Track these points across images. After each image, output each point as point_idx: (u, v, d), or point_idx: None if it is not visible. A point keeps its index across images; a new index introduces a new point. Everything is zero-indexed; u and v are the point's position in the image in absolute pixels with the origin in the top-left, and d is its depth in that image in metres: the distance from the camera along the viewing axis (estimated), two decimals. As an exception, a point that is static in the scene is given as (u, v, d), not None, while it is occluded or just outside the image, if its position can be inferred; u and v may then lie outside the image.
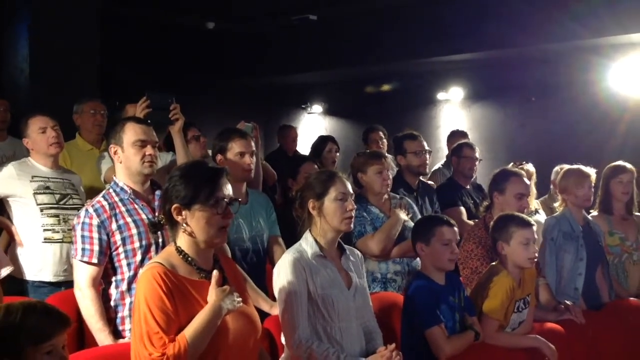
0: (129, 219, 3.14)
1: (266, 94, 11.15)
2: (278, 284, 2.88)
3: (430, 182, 5.40)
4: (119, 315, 3.12)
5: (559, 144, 7.80)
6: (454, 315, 3.28)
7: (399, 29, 8.55)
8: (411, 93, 9.73)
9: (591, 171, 4.34)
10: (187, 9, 8.72)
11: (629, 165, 4.62)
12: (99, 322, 3.03)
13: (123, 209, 3.16)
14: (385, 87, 10.06)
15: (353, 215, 3.00)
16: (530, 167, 5.44)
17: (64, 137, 4.19)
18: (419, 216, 4.23)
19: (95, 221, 3.09)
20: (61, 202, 4.01)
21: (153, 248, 3.13)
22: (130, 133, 3.20)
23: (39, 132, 4.02)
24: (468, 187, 5.28)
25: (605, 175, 4.63)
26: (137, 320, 2.29)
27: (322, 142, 6.04)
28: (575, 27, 7.10)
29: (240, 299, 2.40)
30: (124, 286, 3.12)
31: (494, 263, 3.58)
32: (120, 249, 3.11)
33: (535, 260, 3.54)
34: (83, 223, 3.10)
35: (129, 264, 3.11)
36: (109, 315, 3.10)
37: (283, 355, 2.96)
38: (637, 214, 4.71)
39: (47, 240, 3.94)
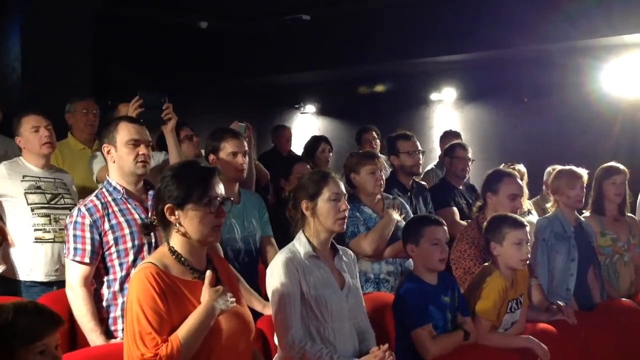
0: (121, 219, 3.13)
1: (259, 94, 11.13)
2: (271, 284, 2.87)
3: (422, 182, 5.41)
4: (111, 315, 3.11)
5: (552, 144, 7.82)
6: (445, 314, 3.28)
7: (392, 29, 8.55)
8: (404, 93, 9.73)
9: (583, 172, 4.35)
10: (185, 8, 8.69)
11: (621, 167, 4.63)
12: (91, 322, 3.02)
13: (116, 208, 3.14)
14: (379, 88, 10.06)
15: (346, 215, 2.99)
16: (521, 167, 5.44)
17: (56, 136, 4.17)
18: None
19: (88, 220, 3.08)
20: (52, 202, 3.99)
21: (145, 248, 3.12)
22: (124, 132, 3.19)
23: (32, 130, 4.00)
24: (461, 187, 5.28)
25: (598, 176, 4.63)
26: (130, 320, 2.29)
27: (315, 142, 6.05)
28: (568, 28, 7.11)
29: (233, 299, 2.39)
30: (116, 286, 3.11)
31: (486, 263, 3.58)
32: (113, 249, 3.10)
33: (528, 261, 3.55)
34: (75, 222, 3.09)
35: (121, 264, 3.10)
36: (101, 316, 3.09)
37: (276, 355, 2.95)
38: (629, 215, 4.73)
39: (38, 240, 3.93)
